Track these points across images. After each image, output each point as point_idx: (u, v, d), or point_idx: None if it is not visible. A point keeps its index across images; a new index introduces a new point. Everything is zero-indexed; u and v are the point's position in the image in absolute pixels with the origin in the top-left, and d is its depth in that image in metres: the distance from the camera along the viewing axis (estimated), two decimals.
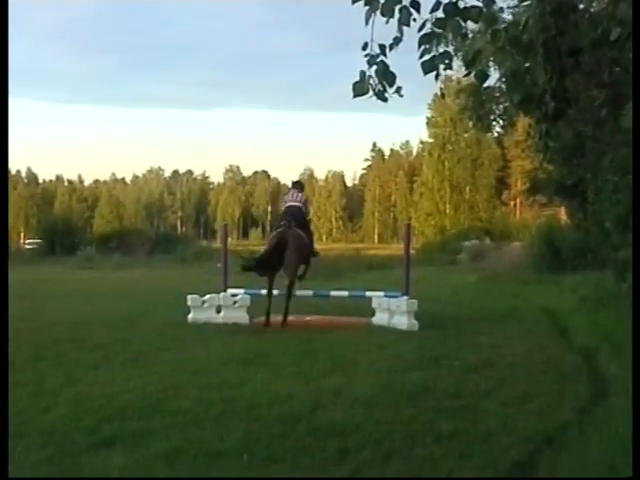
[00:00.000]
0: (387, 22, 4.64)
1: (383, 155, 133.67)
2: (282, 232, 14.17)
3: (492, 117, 26.13)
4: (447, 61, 4.77)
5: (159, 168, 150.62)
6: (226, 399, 7.82)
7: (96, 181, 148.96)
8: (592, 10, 9.13)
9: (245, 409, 7.42)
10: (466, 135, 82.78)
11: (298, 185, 15.94)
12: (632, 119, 4.64)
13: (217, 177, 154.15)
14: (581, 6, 8.23)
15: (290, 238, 14.02)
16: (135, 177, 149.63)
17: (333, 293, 15.66)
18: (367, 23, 4.62)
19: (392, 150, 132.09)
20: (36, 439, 6.48)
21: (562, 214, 32.16)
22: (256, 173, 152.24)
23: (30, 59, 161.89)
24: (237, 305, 14.30)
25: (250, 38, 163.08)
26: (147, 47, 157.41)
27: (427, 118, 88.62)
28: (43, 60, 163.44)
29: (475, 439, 6.46)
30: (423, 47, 4.74)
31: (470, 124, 31.17)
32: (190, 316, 14.15)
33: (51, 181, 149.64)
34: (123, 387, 8.47)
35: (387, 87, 4.77)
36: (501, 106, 25.28)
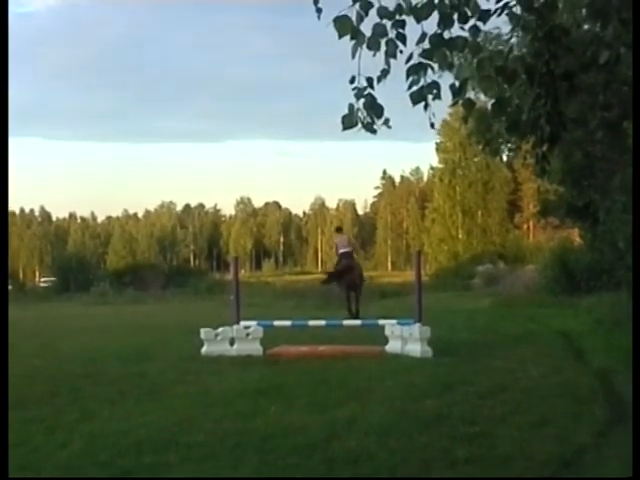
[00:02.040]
0: (374, 55, 4.69)
1: (394, 182, 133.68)
2: (350, 261, 20.13)
3: (499, 140, 26.15)
4: (435, 91, 4.81)
5: (170, 202, 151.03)
6: (240, 431, 7.84)
7: (109, 217, 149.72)
8: (579, 33, 9.18)
9: (259, 440, 7.43)
10: (476, 159, 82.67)
11: (341, 230, 23.23)
12: (632, 126, 4.68)
13: (229, 209, 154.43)
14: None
15: (356, 265, 20.20)
16: (147, 212, 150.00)
17: (346, 322, 15.66)
18: (353, 57, 4.67)
19: (402, 177, 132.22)
20: (52, 474, 6.52)
21: (575, 235, 32.11)
22: (267, 204, 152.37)
23: (41, 98, 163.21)
24: (250, 337, 14.29)
25: (256, 69, 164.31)
26: (155, 82, 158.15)
27: (436, 144, 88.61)
28: (54, 98, 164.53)
29: (491, 465, 6.44)
30: (411, 78, 4.79)
31: (479, 148, 31.18)
32: (204, 349, 14.16)
33: (64, 219, 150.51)
34: (138, 421, 8.49)
35: (375, 119, 4.81)
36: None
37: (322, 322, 15.37)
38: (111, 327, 21.23)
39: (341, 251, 20.94)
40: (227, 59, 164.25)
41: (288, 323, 15.54)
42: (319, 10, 4.63)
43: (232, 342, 14.33)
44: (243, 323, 14.69)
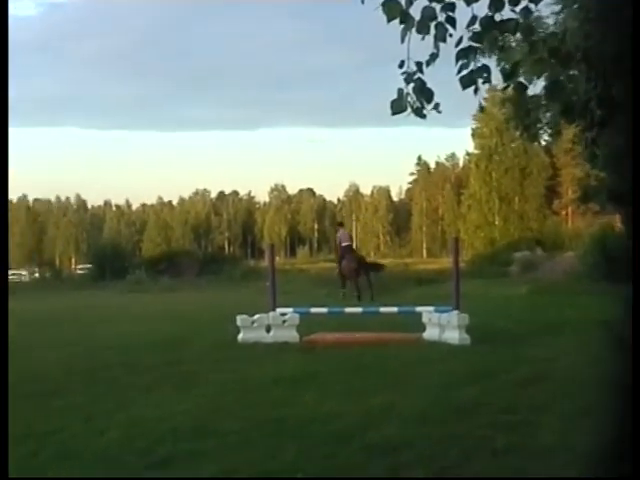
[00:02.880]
0: (423, 39, 4.64)
1: (429, 168, 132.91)
2: (358, 255, 26.07)
3: (539, 126, 25.88)
4: (485, 75, 4.75)
5: (205, 190, 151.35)
6: (277, 418, 7.83)
7: (143, 205, 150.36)
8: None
9: (296, 428, 7.43)
10: (513, 145, 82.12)
11: (342, 225, 28.28)
12: (632, 125, 4.59)
13: (263, 196, 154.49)
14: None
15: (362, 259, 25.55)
16: (182, 200, 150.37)
17: (382, 309, 15.63)
18: (403, 41, 4.62)
19: (438, 163, 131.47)
20: (92, 461, 6.57)
21: (617, 222, 31.74)
22: (301, 191, 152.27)
23: (76, 88, 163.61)
24: (286, 324, 14.31)
25: (290, 56, 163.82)
26: (188, 70, 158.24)
27: (472, 129, 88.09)
28: (88, 88, 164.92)
29: (532, 455, 6.37)
30: (461, 62, 4.73)
31: (517, 134, 30.87)
32: (240, 336, 14.19)
33: (100, 207, 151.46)
34: (174, 409, 8.53)
35: (425, 104, 4.77)
36: (548, 114, 25.04)
37: (359, 309, 15.35)
38: (147, 315, 21.34)
39: (343, 244, 25.10)
40: (259, 47, 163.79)
41: (324, 310, 15.53)
42: None
43: (268, 329, 14.35)
44: (279, 310, 14.69)
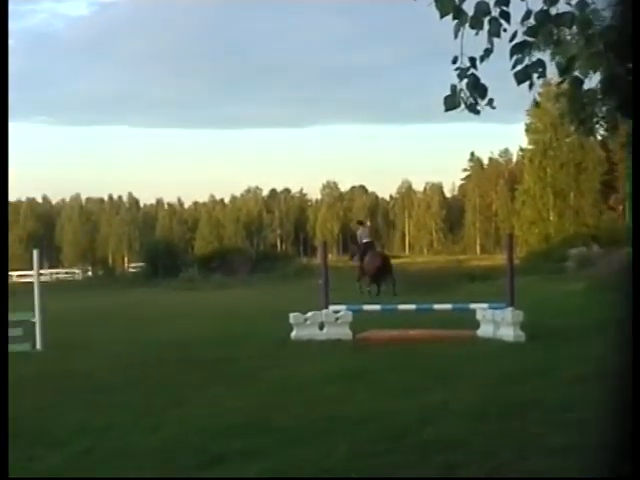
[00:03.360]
0: (477, 34, 4.61)
1: (482, 164, 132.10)
2: (381, 253, 27.79)
3: (595, 120, 25.57)
4: (540, 69, 4.70)
5: (257, 187, 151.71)
6: (330, 416, 7.84)
7: (195, 203, 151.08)
8: None
9: (350, 425, 7.43)
10: (568, 140, 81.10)
11: (362, 223, 29.31)
12: (632, 125, 4.51)
13: (315, 194, 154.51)
14: None
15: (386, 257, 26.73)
16: (233, 197, 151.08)
17: (436, 306, 15.56)
18: (456, 37, 4.61)
19: (491, 159, 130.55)
20: (146, 459, 6.61)
21: None
22: (353, 188, 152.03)
23: (126, 87, 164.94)
24: (339, 321, 14.31)
25: (339, 52, 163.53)
26: (238, 68, 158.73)
27: (526, 124, 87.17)
28: (138, 87, 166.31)
29: (589, 454, 6.29)
30: (515, 57, 4.69)
31: (572, 128, 30.54)
32: (293, 334, 14.23)
33: (152, 205, 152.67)
34: (227, 406, 8.57)
35: (478, 99, 4.74)
36: (604, 108, 24.75)
37: (412, 306, 15.30)
38: (199, 312, 21.49)
39: (364, 241, 26.97)
40: (308, 43, 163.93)
41: (377, 307, 15.52)
42: None
43: (321, 327, 14.37)
44: (332, 307, 14.70)
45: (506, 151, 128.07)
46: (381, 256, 27.06)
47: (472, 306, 14.60)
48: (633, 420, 4.27)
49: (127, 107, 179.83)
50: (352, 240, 30.39)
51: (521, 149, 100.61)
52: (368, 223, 31.46)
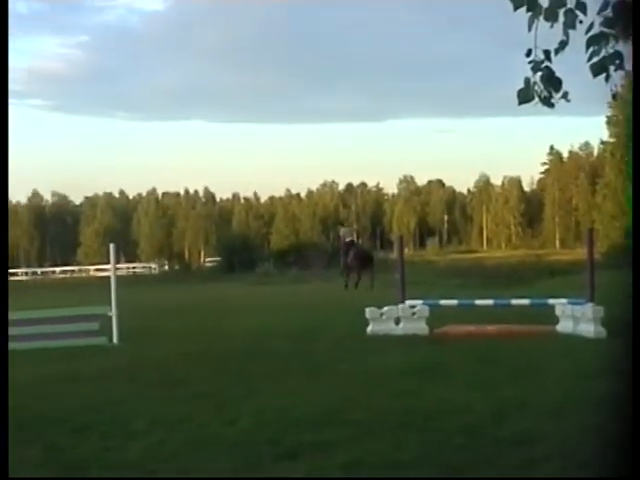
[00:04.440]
0: (551, 26, 4.55)
1: (561, 158, 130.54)
2: (363, 249, 31.60)
3: None
4: (618, 61, 4.61)
5: (333, 182, 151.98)
6: (404, 409, 7.81)
7: (271, 197, 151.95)
8: None
9: (424, 419, 7.39)
10: None
11: (343, 224, 42.14)
12: (632, 125, 4.37)
13: (391, 188, 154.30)
14: None
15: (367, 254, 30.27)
16: (309, 192, 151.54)
17: (514, 301, 15.41)
18: (530, 29, 4.55)
19: (571, 152, 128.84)
20: (222, 451, 6.65)
21: None
22: (430, 182, 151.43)
23: (201, 82, 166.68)
24: (416, 316, 14.26)
25: (414, 46, 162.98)
26: (314, 61, 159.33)
27: (607, 117, 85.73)
28: (214, 82, 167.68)
29: None
30: (592, 49, 4.60)
31: None
32: (369, 328, 14.23)
33: (228, 199, 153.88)
34: (302, 399, 8.60)
35: (553, 93, 4.68)
36: None
37: (490, 301, 15.19)
38: (275, 306, 21.59)
39: (347, 240, 30.49)
40: (385, 36, 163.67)
41: (454, 302, 15.42)
42: None
43: (397, 321, 14.34)
44: (408, 302, 14.67)
45: (587, 144, 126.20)
46: (363, 252, 30.91)
47: (551, 301, 14.43)
48: (633, 420, 4.18)
49: (203, 101, 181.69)
50: (339, 241, 33.36)
51: (602, 142, 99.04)
52: (354, 226, 36.02)
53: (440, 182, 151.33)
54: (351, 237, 32.18)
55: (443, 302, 15.24)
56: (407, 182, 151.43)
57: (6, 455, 5.45)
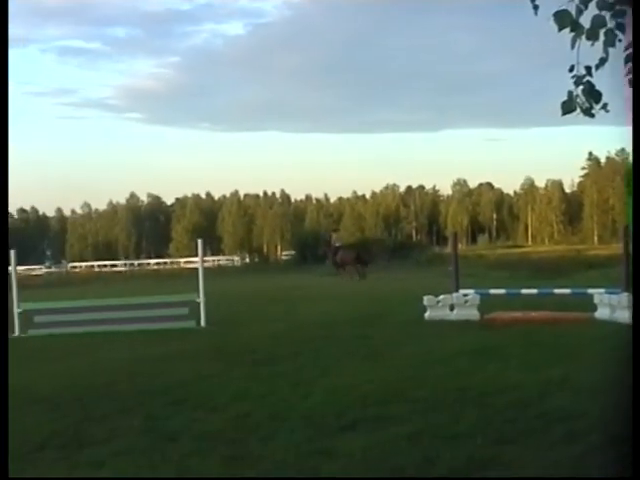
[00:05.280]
0: (592, 45, 4.49)
1: (599, 163, 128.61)
2: (354, 250, 32.41)
3: None
4: None
5: (394, 185, 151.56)
6: (460, 387, 7.76)
7: (340, 198, 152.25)
8: None
9: (477, 396, 7.33)
10: None
11: (336, 230, 36.45)
12: (632, 125, 4.24)
13: (446, 190, 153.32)
14: None
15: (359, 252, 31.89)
16: (373, 193, 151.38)
17: (556, 291, 15.21)
18: (573, 47, 4.50)
19: (608, 158, 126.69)
20: (297, 422, 6.68)
21: None
22: (481, 185, 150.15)
23: (278, 96, 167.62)
24: (468, 304, 14.20)
25: (464, 65, 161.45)
26: (377, 79, 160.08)
27: None
28: (288, 97, 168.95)
29: None
30: (629, 64, 4.53)
31: None
32: (426, 314, 14.18)
33: (301, 200, 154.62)
34: (367, 377, 8.59)
35: (593, 104, 4.63)
36: None
37: (534, 290, 15.05)
38: (343, 295, 21.60)
39: (336, 245, 32.99)
40: (438, 57, 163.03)
41: (502, 291, 15.28)
42: (536, 7, 4.53)
43: (452, 308, 14.28)
44: (462, 291, 14.59)
45: (622, 150, 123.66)
46: (354, 250, 33.02)
47: (590, 291, 14.20)
48: (633, 420, 4.06)
49: (278, 115, 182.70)
50: (326, 244, 35.45)
51: None
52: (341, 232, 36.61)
53: (490, 185, 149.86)
54: (340, 242, 34.64)
55: (492, 291, 15.10)
56: (460, 185, 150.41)
57: (6, 455, 4.83)
